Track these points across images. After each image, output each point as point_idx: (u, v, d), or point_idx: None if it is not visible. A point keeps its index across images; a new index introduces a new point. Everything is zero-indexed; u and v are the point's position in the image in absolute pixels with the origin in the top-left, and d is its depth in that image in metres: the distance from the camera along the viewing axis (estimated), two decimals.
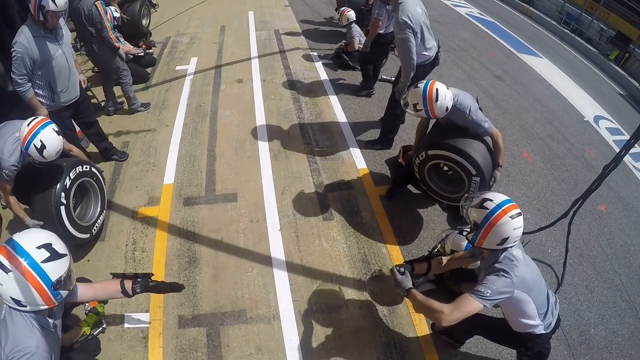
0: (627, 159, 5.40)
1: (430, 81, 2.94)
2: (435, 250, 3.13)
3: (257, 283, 3.03)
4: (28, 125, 2.48)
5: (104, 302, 2.54)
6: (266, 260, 3.18)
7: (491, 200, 1.94)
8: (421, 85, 2.94)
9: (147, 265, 3.10)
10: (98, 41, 4.15)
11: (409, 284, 2.13)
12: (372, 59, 5.08)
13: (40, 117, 2.58)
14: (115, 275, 2.13)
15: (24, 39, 2.88)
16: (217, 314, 2.82)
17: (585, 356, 2.87)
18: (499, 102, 5.95)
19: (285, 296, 2.95)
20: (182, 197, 3.71)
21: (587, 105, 6.94)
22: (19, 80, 2.97)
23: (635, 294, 3.41)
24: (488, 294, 1.85)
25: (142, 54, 5.48)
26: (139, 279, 2.08)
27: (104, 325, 2.45)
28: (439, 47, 3.84)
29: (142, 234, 3.35)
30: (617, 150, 2.83)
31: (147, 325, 2.75)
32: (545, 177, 4.56)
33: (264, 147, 4.35)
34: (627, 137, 3.36)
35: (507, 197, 1.97)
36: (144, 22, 6.45)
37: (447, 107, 2.91)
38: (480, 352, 2.75)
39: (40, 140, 2.46)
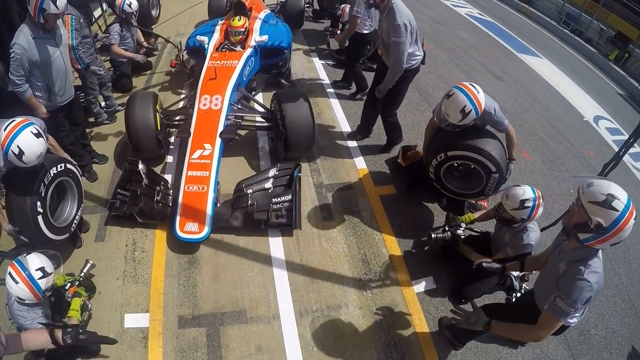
0: (627, 159, 5.41)
1: (458, 84, 2.93)
2: (452, 226, 3.00)
3: (257, 283, 3.03)
4: (5, 130, 2.35)
5: (83, 285, 2.63)
6: (266, 260, 3.18)
7: (618, 199, 1.64)
8: (453, 91, 2.88)
9: (147, 266, 3.10)
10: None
11: (484, 317, 1.99)
12: (357, 58, 5.09)
13: (19, 119, 2.43)
14: (45, 325, 2.12)
15: (22, 40, 2.86)
16: (217, 314, 2.83)
17: (585, 356, 2.87)
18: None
19: (285, 296, 2.95)
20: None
21: (586, 106, 6.95)
22: (17, 81, 2.94)
23: (635, 294, 3.42)
24: (572, 312, 1.75)
25: (143, 61, 5.08)
26: (68, 329, 2.06)
27: (90, 307, 2.55)
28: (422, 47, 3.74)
29: (142, 234, 3.34)
30: (617, 150, 2.85)
31: (147, 326, 2.75)
32: (545, 177, 4.56)
33: (263, 147, 4.34)
34: (627, 137, 3.37)
35: (625, 193, 1.69)
36: (153, 12, 6.37)
37: (484, 98, 2.89)
38: (481, 352, 2.76)
39: (18, 146, 2.33)
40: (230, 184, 3.81)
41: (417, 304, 2.99)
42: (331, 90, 5.47)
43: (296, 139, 3.72)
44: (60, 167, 2.79)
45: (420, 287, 3.12)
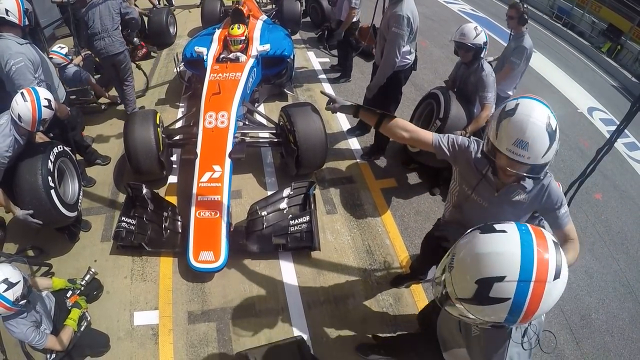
0: (621, 148, 5.50)
1: None
2: None
3: (265, 277, 3.07)
4: (24, 100, 2.50)
5: (85, 295, 2.62)
6: (272, 254, 3.21)
7: None
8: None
9: (155, 264, 3.13)
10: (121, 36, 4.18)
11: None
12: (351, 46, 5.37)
13: (25, 89, 2.58)
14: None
15: (15, 47, 2.81)
16: (227, 309, 2.87)
17: (587, 340, 2.94)
18: None
19: (293, 289, 3.00)
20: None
21: (580, 98, 7.04)
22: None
23: (634, 279, 3.49)
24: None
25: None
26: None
27: (89, 318, 2.55)
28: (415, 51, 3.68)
29: None
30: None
31: (157, 323, 2.78)
32: None
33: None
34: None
35: None
36: (171, 30, 6.32)
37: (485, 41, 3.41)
38: None
39: (45, 99, 2.58)
40: (233, 181, 3.83)
41: (422, 292, 3.04)
42: (328, 85, 5.51)
43: (309, 156, 3.53)
44: (60, 147, 2.91)
45: (424, 275, 3.17)
